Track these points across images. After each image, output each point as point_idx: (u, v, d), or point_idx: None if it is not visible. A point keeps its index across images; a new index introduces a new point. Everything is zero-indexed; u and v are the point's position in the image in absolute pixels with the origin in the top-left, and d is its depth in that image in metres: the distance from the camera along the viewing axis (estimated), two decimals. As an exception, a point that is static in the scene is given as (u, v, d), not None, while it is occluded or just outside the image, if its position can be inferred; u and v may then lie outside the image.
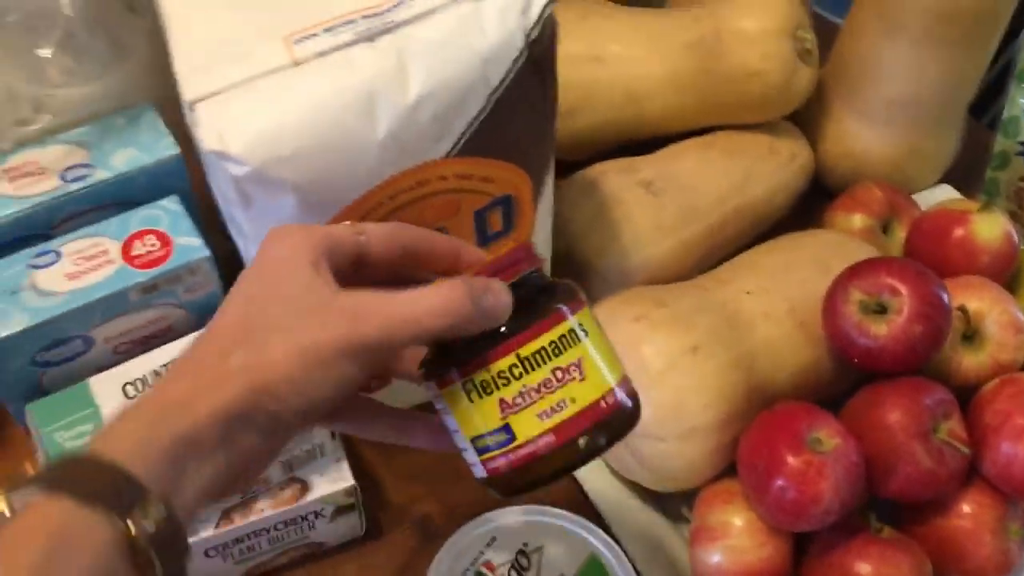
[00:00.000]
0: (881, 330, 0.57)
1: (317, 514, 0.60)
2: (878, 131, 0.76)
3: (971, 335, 0.61)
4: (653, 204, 0.69)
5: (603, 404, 0.41)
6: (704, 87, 0.73)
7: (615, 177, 0.70)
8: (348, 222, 0.40)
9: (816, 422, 0.56)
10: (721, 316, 0.61)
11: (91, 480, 0.31)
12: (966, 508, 0.58)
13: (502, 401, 0.39)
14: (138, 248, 0.54)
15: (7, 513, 0.32)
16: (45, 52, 0.52)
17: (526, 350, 0.39)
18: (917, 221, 0.69)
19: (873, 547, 0.56)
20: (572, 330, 0.40)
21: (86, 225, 0.55)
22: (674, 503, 0.63)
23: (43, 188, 0.54)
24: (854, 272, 0.59)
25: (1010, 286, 0.66)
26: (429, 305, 0.36)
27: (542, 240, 0.62)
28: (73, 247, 0.54)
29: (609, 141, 0.78)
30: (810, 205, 0.79)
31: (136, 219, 0.55)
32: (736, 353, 0.59)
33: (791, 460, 0.54)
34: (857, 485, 0.55)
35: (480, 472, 0.41)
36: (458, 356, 0.39)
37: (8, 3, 0.50)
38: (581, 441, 0.40)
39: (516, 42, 0.48)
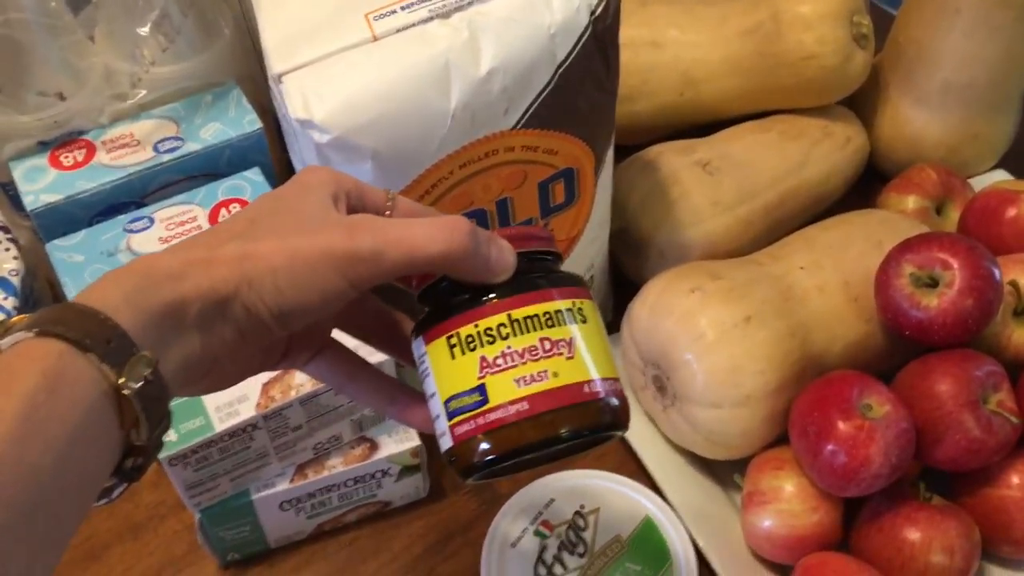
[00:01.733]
0: (932, 303, 0.59)
1: (384, 472, 0.63)
2: (933, 116, 0.77)
3: (1022, 310, 0.63)
4: (710, 182, 0.71)
5: (586, 389, 0.38)
6: (761, 71, 0.75)
7: (672, 157, 0.72)
8: (385, 189, 0.39)
9: (867, 389, 0.58)
10: (775, 289, 0.63)
11: (84, 328, 0.31)
12: (1015, 479, 0.60)
13: (483, 359, 0.37)
14: (224, 215, 0.58)
15: None
16: (143, 31, 0.56)
17: (518, 313, 0.37)
18: (970, 202, 0.70)
19: (922, 513, 0.58)
20: (571, 310, 0.38)
21: (176, 194, 0.59)
22: (726, 470, 0.65)
23: (137, 159, 0.58)
24: (906, 246, 0.61)
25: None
26: (427, 231, 0.35)
27: (601, 217, 0.64)
28: (165, 214, 0.58)
29: (667, 126, 0.80)
30: (865, 188, 0.80)
31: (222, 189, 0.59)
32: (789, 324, 0.61)
33: (842, 425, 0.56)
34: (906, 451, 0.56)
35: (447, 442, 0.39)
36: (449, 310, 0.38)
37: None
38: (552, 418, 0.37)
39: (581, 19, 0.50)
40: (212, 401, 0.56)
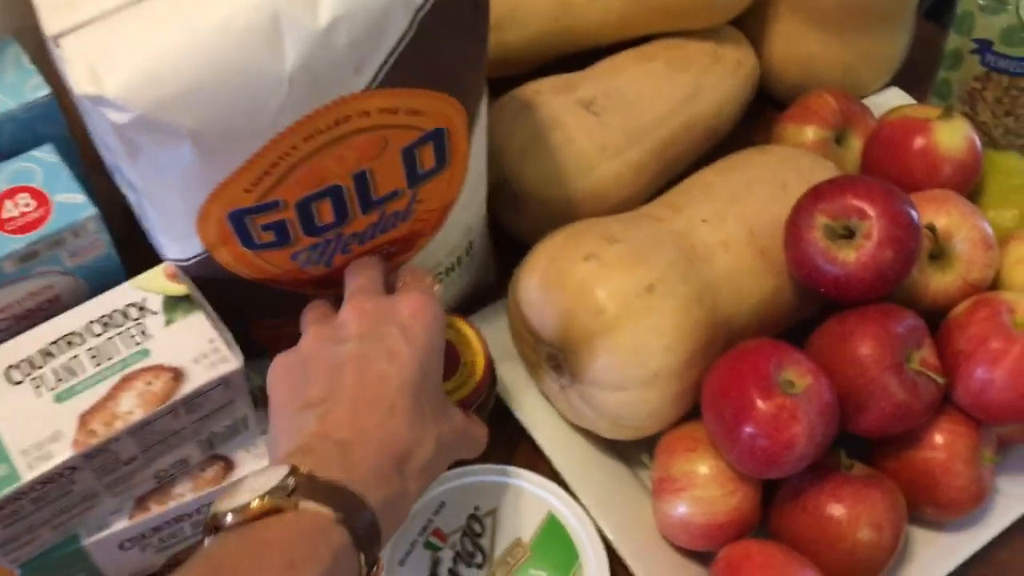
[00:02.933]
0: (849, 257, 0.53)
1: (245, 491, 0.54)
2: (827, 34, 0.71)
3: (939, 254, 0.58)
4: (595, 124, 0.63)
5: None
6: (643, -10, 0.67)
7: (551, 97, 0.64)
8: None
9: (785, 360, 0.52)
10: (677, 248, 0.56)
11: (361, 524, 0.39)
12: (938, 439, 0.55)
13: None
14: (10, 210, 0.46)
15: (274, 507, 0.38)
16: None
17: None
18: (874, 131, 0.64)
19: (846, 487, 0.53)
20: None
21: (-56, 184, 0.46)
22: (633, 449, 0.59)
23: None
24: (817, 195, 0.55)
25: (972, 197, 0.62)
26: (483, 433, 0.51)
27: (477, 175, 0.56)
28: (-69, 212, 0.46)
29: (542, 56, 0.71)
30: (757, 116, 0.74)
31: (5, 175, 0.47)
32: (696, 288, 0.54)
33: (761, 404, 0.50)
34: (831, 426, 0.51)
35: None
36: None
37: None
38: None
39: (442, -50, 0.41)
40: (16, 444, 0.45)
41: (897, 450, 0.56)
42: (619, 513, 0.56)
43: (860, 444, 0.57)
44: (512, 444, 0.60)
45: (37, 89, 0.49)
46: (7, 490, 0.44)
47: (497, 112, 0.64)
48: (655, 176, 0.65)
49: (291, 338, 0.56)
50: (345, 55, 0.41)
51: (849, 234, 0.53)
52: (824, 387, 0.51)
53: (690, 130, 0.67)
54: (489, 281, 0.65)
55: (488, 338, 0.57)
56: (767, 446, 0.50)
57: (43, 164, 0.48)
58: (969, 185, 0.62)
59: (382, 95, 0.43)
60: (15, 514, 0.46)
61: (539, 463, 0.58)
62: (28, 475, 0.45)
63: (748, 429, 0.50)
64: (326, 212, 0.47)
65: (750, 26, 0.73)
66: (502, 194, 0.63)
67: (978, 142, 0.62)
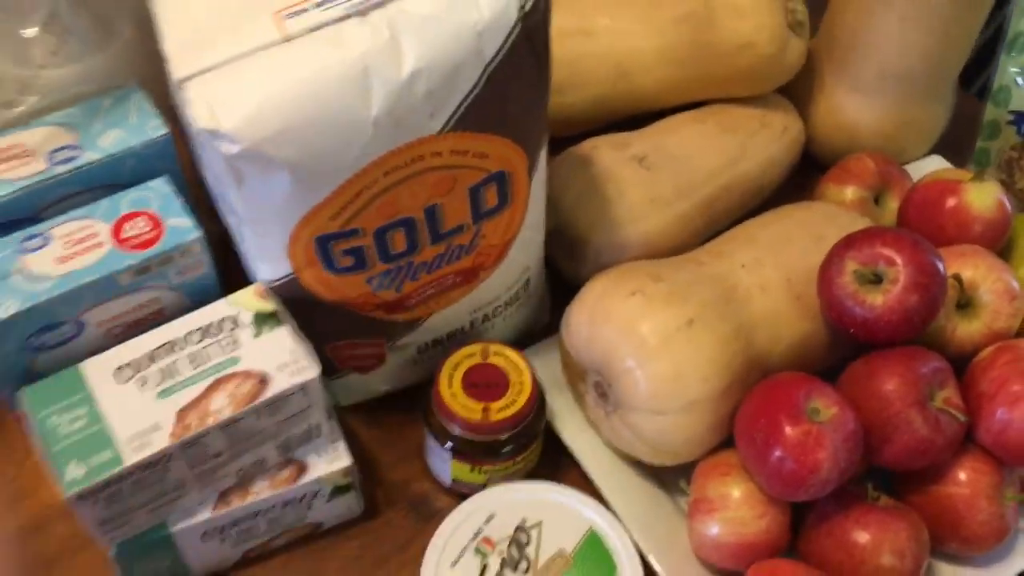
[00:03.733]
0: (877, 300, 0.57)
1: (315, 495, 0.60)
2: (868, 103, 0.76)
3: (966, 304, 0.61)
4: (647, 178, 0.69)
5: None
6: (696, 60, 0.73)
7: (607, 152, 0.70)
8: None
9: (814, 392, 0.56)
10: (717, 289, 0.61)
11: None
12: (962, 475, 0.59)
13: None
14: (128, 230, 0.53)
15: None
16: (30, 32, 0.51)
17: None
18: (910, 192, 0.69)
19: (871, 515, 0.57)
20: None
21: (75, 208, 0.54)
22: (672, 476, 0.63)
23: (30, 171, 0.53)
24: (849, 243, 0.59)
25: (1003, 254, 0.66)
26: None
27: (536, 218, 0.62)
28: (62, 230, 0.53)
29: (601, 118, 0.78)
30: (803, 178, 0.79)
31: (126, 201, 0.54)
32: (733, 325, 0.59)
33: (789, 430, 0.54)
34: (855, 453, 0.55)
35: None
36: None
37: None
38: None
39: (510, 14, 0.47)
40: (121, 433, 0.51)
41: (922, 485, 0.59)
42: (656, 532, 0.60)
43: (888, 480, 0.60)
44: (560, 466, 0.65)
45: (156, 130, 0.56)
46: (110, 472, 0.51)
47: (557, 165, 0.70)
48: (701, 228, 0.70)
49: (361, 359, 0.62)
50: (422, 102, 0.47)
51: (877, 280, 0.58)
52: (849, 417, 0.55)
53: (736, 188, 0.72)
54: (544, 320, 0.71)
55: (540, 370, 0.62)
56: (794, 469, 0.54)
57: (158, 193, 0.55)
58: (999, 243, 0.66)
59: (453, 138, 0.50)
60: (115, 495, 0.52)
61: (584, 484, 0.63)
62: (130, 460, 0.51)
63: (777, 453, 0.54)
64: (399, 241, 0.54)
65: (796, 94, 0.78)
66: (558, 239, 0.69)
67: (1008, 203, 0.66)
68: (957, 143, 0.80)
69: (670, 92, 0.75)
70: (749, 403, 0.57)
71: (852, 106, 0.77)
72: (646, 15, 0.74)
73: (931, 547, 0.58)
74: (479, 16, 0.47)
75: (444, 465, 0.63)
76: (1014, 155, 0.77)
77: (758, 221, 0.68)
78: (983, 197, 0.65)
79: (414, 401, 0.64)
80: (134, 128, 0.56)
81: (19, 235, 0.53)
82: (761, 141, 0.74)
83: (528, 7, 0.48)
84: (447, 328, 0.63)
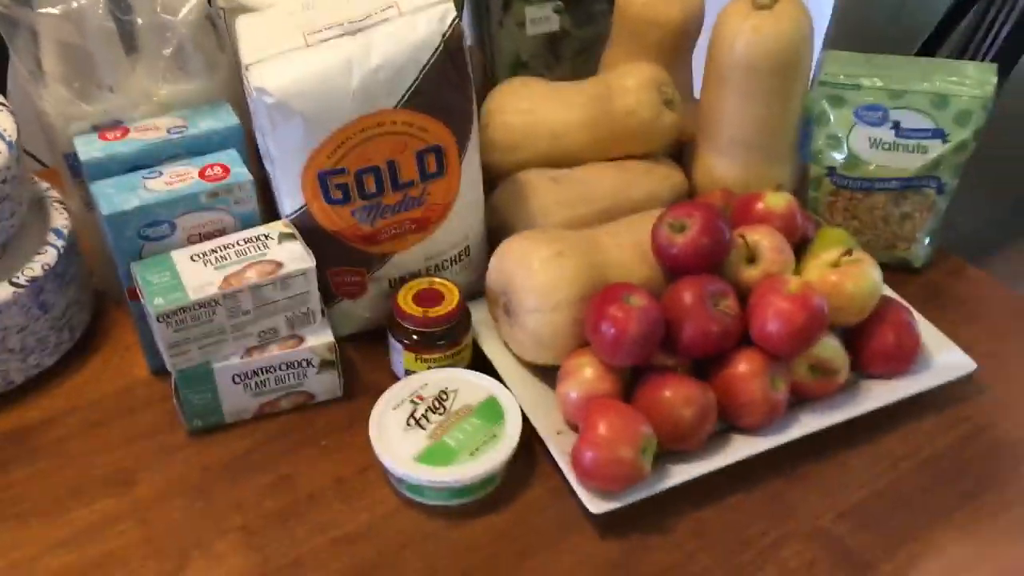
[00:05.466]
0: (679, 239, 0.87)
1: (308, 363, 0.89)
2: (727, 162, 1.08)
3: (752, 259, 0.90)
4: (556, 189, 1.01)
5: None
6: (601, 124, 1.06)
7: (533, 173, 1.03)
8: None
9: (632, 291, 0.85)
10: (585, 242, 0.91)
11: None
12: (742, 363, 0.85)
13: None
14: (208, 173, 0.87)
15: None
16: (167, 52, 0.87)
17: None
18: (735, 201, 0.99)
19: (672, 379, 0.84)
20: None
21: (180, 161, 0.89)
22: (550, 380, 0.91)
23: (155, 136, 0.88)
24: (670, 209, 0.90)
25: (798, 250, 0.95)
26: None
27: (470, 196, 0.94)
28: (170, 169, 0.87)
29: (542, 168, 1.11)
30: (683, 214, 1.10)
31: (210, 158, 0.89)
32: (591, 261, 0.89)
33: (612, 309, 0.83)
34: (656, 326, 0.83)
35: None
36: None
37: (147, 16, 0.86)
38: None
39: (435, 38, 0.82)
40: (192, 284, 0.83)
41: (715, 369, 0.86)
42: (535, 402, 0.88)
43: (693, 370, 0.87)
44: (479, 367, 0.93)
45: (232, 121, 0.91)
46: (179, 303, 0.82)
47: (503, 184, 1.03)
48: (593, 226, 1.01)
49: (349, 285, 0.93)
50: (383, 85, 0.82)
51: (681, 228, 0.88)
52: (654, 306, 0.84)
53: (622, 207, 1.03)
54: (483, 286, 1.01)
55: (474, 315, 0.93)
56: (615, 334, 0.82)
57: (230, 156, 0.89)
58: (794, 231, 0.95)
59: (403, 113, 0.84)
60: (181, 323, 0.83)
61: (494, 375, 0.91)
62: (192, 297, 0.82)
63: (604, 324, 0.83)
64: (370, 183, 0.86)
65: (685, 157, 1.11)
66: (495, 231, 1.01)
67: (796, 205, 0.95)
68: (798, 194, 1.11)
69: (587, 148, 1.08)
70: (593, 299, 0.86)
71: (717, 165, 1.08)
72: (571, 98, 1.09)
73: (725, 418, 0.84)
74: (417, 36, 0.81)
75: (399, 358, 0.92)
76: (832, 199, 1.07)
77: (626, 218, 0.99)
78: (777, 200, 0.95)
79: (383, 340, 0.94)
80: (220, 120, 0.91)
81: (145, 171, 0.87)
82: (646, 181, 1.06)
83: (448, 34, 0.82)
84: (409, 267, 0.94)
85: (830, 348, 0.88)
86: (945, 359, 0.93)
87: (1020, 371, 0.97)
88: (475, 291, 1.00)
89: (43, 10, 0.83)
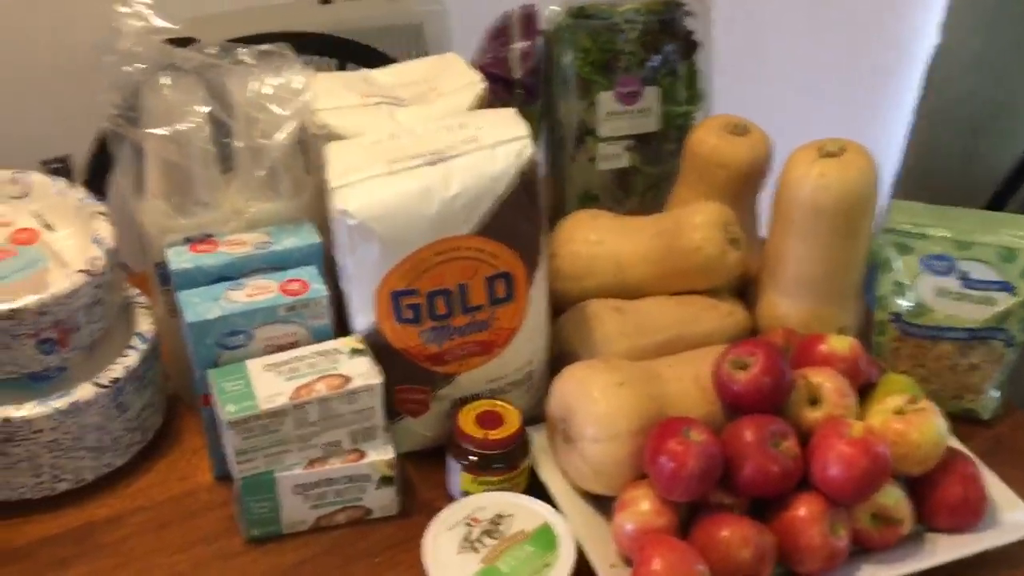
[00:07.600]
0: (741, 377, 0.88)
1: (367, 478, 0.91)
2: (790, 302, 1.09)
3: (814, 400, 0.90)
4: (619, 319, 1.03)
5: None
6: (667, 258, 1.09)
7: (597, 304, 1.05)
8: None
9: (692, 426, 0.85)
10: (646, 373, 0.92)
11: None
12: (801, 506, 0.85)
13: None
14: (288, 287, 0.91)
15: None
16: (260, 173, 0.93)
17: None
18: (799, 341, 1.00)
19: (730, 518, 0.83)
20: None
21: (261, 274, 0.93)
22: (607, 508, 0.91)
23: (241, 251, 0.93)
24: (732, 346, 0.91)
25: (861, 396, 0.95)
26: None
27: (536, 322, 0.96)
28: (252, 282, 0.91)
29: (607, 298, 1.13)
30: (746, 351, 1.10)
31: (290, 273, 0.93)
32: (651, 393, 0.90)
33: (671, 443, 0.84)
34: (715, 464, 0.83)
35: None
36: None
37: (245, 139, 0.92)
38: None
39: (512, 170, 0.86)
40: (261, 393, 0.86)
41: (774, 512, 0.85)
42: (590, 532, 0.88)
43: (751, 511, 0.86)
44: (535, 492, 0.93)
45: (314, 240, 0.96)
46: (250, 412, 0.85)
47: (568, 312, 1.05)
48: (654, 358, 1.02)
49: (413, 403, 0.95)
50: (459, 212, 0.85)
51: (743, 366, 0.88)
52: (713, 442, 0.84)
53: (684, 340, 1.04)
54: (543, 411, 1.02)
55: (533, 440, 0.94)
56: (673, 468, 0.83)
57: (309, 272, 0.93)
58: (857, 375, 0.95)
59: (476, 239, 0.87)
60: (249, 431, 0.85)
61: (549, 502, 0.91)
62: (262, 407, 0.85)
63: (662, 458, 0.83)
64: (441, 305, 0.89)
65: (750, 296, 1.12)
66: (559, 357, 1.03)
67: (860, 349, 0.96)
68: (862, 337, 1.11)
69: (651, 281, 1.11)
70: (652, 431, 0.87)
71: (780, 304, 1.09)
72: (637, 231, 1.12)
73: (783, 561, 0.83)
74: (495, 168, 0.86)
75: (456, 478, 0.93)
76: (897, 346, 1.07)
77: (687, 352, 1.00)
78: (841, 343, 0.96)
79: (440, 459, 0.96)
80: (303, 238, 0.95)
81: (230, 283, 0.92)
82: (709, 316, 1.07)
83: (525, 168, 0.86)
84: (472, 389, 0.96)
85: (893, 497, 0.86)
86: (1012, 517, 0.90)
87: (1092, 533, 0.94)
88: (535, 416, 1.01)
89: (151, 130, 0.89)
